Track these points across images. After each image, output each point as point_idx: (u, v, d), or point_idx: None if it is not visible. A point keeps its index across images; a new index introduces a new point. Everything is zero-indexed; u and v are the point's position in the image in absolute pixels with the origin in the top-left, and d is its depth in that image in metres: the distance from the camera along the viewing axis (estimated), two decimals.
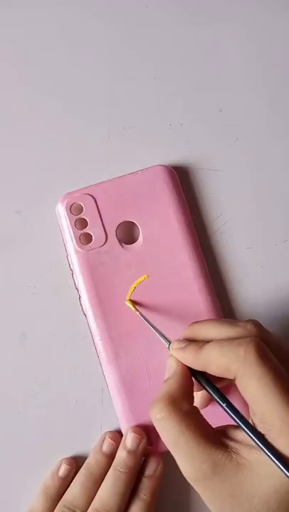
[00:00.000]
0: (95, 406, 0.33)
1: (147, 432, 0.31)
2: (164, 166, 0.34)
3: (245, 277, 0.34)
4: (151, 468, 0.31)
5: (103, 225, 0.33)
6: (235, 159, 0.36)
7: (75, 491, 0.30)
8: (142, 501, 0.30)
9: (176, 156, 0.35)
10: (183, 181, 0.35)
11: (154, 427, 0.30)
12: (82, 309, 0.33)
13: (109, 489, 0.29)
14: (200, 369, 0.25)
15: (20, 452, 0.33)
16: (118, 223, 0.33)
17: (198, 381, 0.26)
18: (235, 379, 0.24)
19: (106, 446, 0.31)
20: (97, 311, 0.32)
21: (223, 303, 0.34)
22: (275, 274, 0.35)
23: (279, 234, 0.35)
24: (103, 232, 0.33)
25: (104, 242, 0.33)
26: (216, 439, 0.24)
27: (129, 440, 0.30)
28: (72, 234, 0.33)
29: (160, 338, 0.28)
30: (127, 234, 0.34)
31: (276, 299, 0.34)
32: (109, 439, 0.31)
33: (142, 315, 0.31)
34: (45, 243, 0.35)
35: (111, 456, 0.31)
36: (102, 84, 0.37)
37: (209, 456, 0.23)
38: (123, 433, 0.32)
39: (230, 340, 0.24)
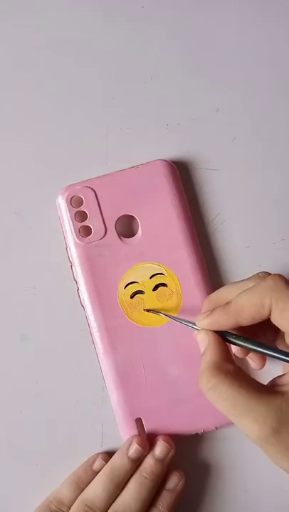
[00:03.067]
0: (96, 405, 0.33)
1: (141, 423, 0.32)
2: (165, 160, 0.34)
3: (243, 276, 0.34)
4: (173, 482, 0.31)
5: (103, 218, 0.33)
6: (233, 159, 0.36)
7: (97, 492, 0.30)
8: None
9: (173, 156, 0.36)
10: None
11: (152, 419, 0.31)
12: (80, 301, 0.33)
13: (132, 494, 0.29)
14: (232, 324, 0.26)
15: (22, 452, 0.33)
16: (118, 217, 0.33)
17: (234, 342, 0.27)
18: (270, 314, 0.25)
19: (132, 452, 0.30)
20: (94, 303, 0.32)
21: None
22: (274, 272, 0.35)
23: (276, 232, 0.35)
24: (102, 225, 0.33)
25: (104, 235, 0.33)
26: (269, 390, 0.24)
27: (159, 448, 0.31)
28: (71, 226, 0.33)
29: (186, 324, 0.29)
30: (127, 227, 0.34)
31: None
32: (136, 445, 0.31)
33: (165, 314, 0.31)
34: (44, 244, 0.35)
35: (136, 461, 0.31)
36: (99, 85, 0.37)
37: (271, 407, 0.23)
38: (118, 425, 0.32)
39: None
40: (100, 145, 0.36)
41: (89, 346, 0.33)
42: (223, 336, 0.27)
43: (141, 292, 0.33)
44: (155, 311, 0.32)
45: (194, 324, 0.28)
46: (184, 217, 0.33)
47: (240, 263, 0.35)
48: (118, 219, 0.33)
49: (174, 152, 0.36)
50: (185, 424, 0.32)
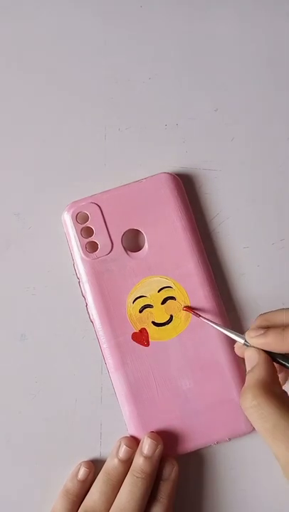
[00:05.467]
0: (95, 404, 0.33)
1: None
2: (169, 173, 0.34)
3: (242, 277, 0.35)
4: (167, 471, 0.31)
5: (109, 233, 0.33)
6: (231, 159, 0.36)
7: (95, 497, 0.31)
8: (160, 504, 0.30)
9: (172, 157, 0.36)
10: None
11: (166, 433, 0.31)
12: (89, 317, 0.33)
13: (127, 495, 0.30)
14: (285, 350, 0.26)
15: (21, 451, 0.33)
16: (124, 231, 0.33)
17: (284, 364, 0.26)
18: None
19: (122, 453, 0.31)
20: (103, 318, 0.32)
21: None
22: (272, 273, 0.35)
23: (275, 233, 0.35)
24: (109, 241, 0.33)
25: (110, 250, 0.33)
26: None
27: (146, 446, 0.31)
28: (78, 242, 0.33)
29: (232, 335, 0.29)
30: (133, 242, 0.34)
31: (273, 298, 0.34)
32: (125, 446, 0.31)
33: (204, 317, 0.31)
34: (43, 244, 0.35)
35: (128, 462, 0.31)
36: (97, 85, 0.37)
37: None
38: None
39: None
40: (98, 145, 0.36)
41: (88, 346, 0.33)
42: (272, 356, 0.27)
43: (150, 306, 0.33)
44: (198, 315, 0.31)
45: (239, 336, 0.28)
46: (189, 229, 0.33)
47: (239, 263, 0.35)
48: (124, 233, 0.33)
49: (172, 153, 0.36)
50: (198, 436, 0.32)
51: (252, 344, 0.27)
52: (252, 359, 0.27)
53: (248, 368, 0.27)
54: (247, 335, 0.28)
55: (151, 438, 0.31)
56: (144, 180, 0.34)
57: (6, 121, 0.37)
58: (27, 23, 0.38)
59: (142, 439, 0.31)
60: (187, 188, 0.35)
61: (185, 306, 0.32)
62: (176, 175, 0.34)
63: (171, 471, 0.31)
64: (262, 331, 0.27)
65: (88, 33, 0.37)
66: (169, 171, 0.34)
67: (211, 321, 0.30)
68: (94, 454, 0.33)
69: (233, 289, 0.34)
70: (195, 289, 0.33)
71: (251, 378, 0.26)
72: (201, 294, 0.32)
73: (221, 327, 0.30)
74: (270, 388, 0.25)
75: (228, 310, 0.34)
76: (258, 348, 0.27)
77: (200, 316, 0.31)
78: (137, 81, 0.37)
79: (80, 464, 0.32)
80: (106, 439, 0.33)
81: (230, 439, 0.32)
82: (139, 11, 0.38)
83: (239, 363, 0.32)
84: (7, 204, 0.36)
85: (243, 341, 0.28)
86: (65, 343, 0.34)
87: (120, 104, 0.37)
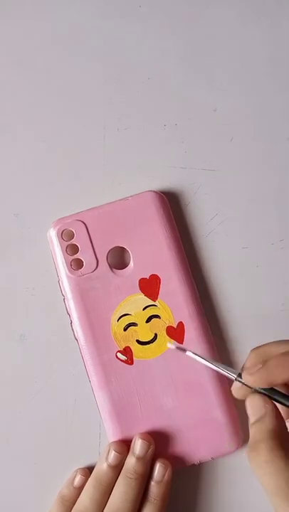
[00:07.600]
0: (94, 405, 0.33)
1: None
2: (155, 192, 0.34)
3: (241, 277, 0.35)
4: (160, 473, 0.31)
5: (94, 250, 0.33)
6: (230, 159, 0.36)
7: (86, 501, 0.30)
8: (153, 505, 0.30)
9: (171, 157, 0.36)
10: (178, 182, 0.35)
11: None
12: (74, 334, 0.33)
13: (120, 496, 0.30)
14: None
15: (21, 451, 0.34)
16: (109, 249, 0.33)
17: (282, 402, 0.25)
18: None
19: (111, 459, 0.31)
20: (88, 336, 0.32)
21: (218, 303, 0.34)
22: (272, 273, 0.35)
23: (275, 233, 0.35)
24: (94, 258, 0.33)
25: (96, 268, 0.33)
26: None
27: (138, 447, 0.31)
28: (63, 259, 0.33)
29: (224, 373, 0.27)
30: (118, 259, 0.34)
31: (273, 298, 0.34)
32: (114, 451, 0.31)
33: (197, 354, 0.29)
34: (42, 245, 0.35)
35: (117, 467, 0.31)
36: (96, 85, 0.37)
37: None
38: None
39: None
40: (97, 146, 0.36)
41: None
42: (269, 395, 0.25)
43: (134, 324, 0.33)
44: (194, 353, 0.29)
45: (235, 373, 0.26)
46: (174, 248, 0.33)
47: (238, 264, 0.35)
48: (109, 251, 0.33)
49: (171, 153, 0.36)
50: (181, 455, 0.32)
51: (252, 382, 0.25)
52: (257, 408, 0.25)
53: (251, 416, 0.25)
54: (244, 374, 0.25)
55: (142, 438, 0.31)
56: (130, 198, 0.33)
57: (6, 121, 0.37)
58: (27, 23, 0.37)
59: (133, 440, 0.31)
60: (186, 189, 0.35)
61: (177, 347, 0.30)
62: (162, 193, 0.34)
63: (164, 473, 0.31)
64: (260, 366, 0.25)
65: (88, 33, 0.37)
66: (169, 172, 0.35)
67: (203, 358, 0.29)
68: (93, 455, 0.33)
69: (231, 290, 0.34)
70: (180, 307, 0.32)
71: (262, 429, 0.24)
72: (185, 313, 0.32)
73: (214, 364, 0.28)
74: (283, 442, 0.23)
75: (226, 310, 0.34)
76: (264, 395, 0.25)
77: (191, 352, 0.29)
78: (136, 81, 0.37)
79: (76, 471, 0.32)
80: (105, 439, 0.33)
81: (213, 459, 0.32)
82: (138, 10, 0.37)
83: (223, 382, 0.32)
84: (7, 204, 0.36)
85: (234, 378, 0.26)
86: (64, 343, 0.34)
87: (119, 105, 0.36)
